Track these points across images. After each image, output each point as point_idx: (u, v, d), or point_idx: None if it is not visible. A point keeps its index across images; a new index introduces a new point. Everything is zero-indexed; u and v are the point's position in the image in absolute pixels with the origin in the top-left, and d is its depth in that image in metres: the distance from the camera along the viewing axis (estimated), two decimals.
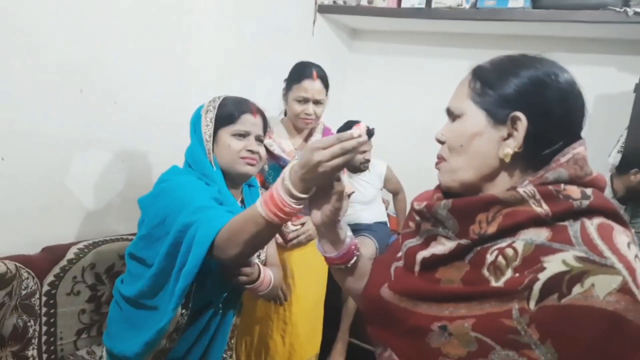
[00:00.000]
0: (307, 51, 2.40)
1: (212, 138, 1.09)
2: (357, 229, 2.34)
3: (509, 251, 0.57)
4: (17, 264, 1.22)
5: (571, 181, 0.59)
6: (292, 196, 0.72)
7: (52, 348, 1.31)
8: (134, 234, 1.15)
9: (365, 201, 2.38)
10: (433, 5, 2.43)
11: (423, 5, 2.46)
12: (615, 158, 2.26)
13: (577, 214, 0.56)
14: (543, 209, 0.57)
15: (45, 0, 1.28)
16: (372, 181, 2.41)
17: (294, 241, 1.66)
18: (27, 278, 1.23)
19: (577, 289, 0.50)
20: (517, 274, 0.55)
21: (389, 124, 2.76)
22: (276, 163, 1.62)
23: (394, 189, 2.57)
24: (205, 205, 0.95)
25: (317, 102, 1.59)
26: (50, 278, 1.30)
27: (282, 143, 1.64)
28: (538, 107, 0.60)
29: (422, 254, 0.66)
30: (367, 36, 3.08)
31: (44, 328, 1.29)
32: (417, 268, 0.67)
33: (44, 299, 1.28)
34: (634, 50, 2.40)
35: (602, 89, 2.44)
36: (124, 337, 1.09)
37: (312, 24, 2.62)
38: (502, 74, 0.63)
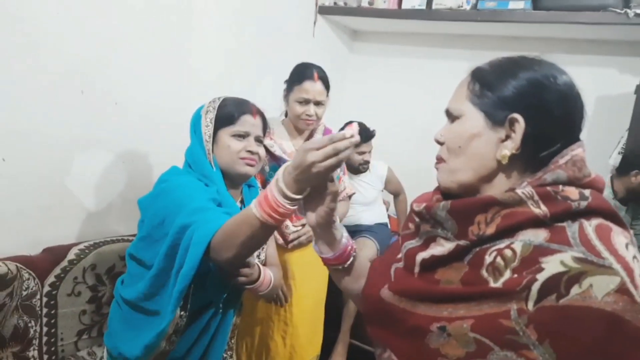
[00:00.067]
0: (307, 52, 2.41)
1: (212, 138, 1.10)
2: (358, 230, 2.34)
3: (508, 252, 0.57)
4: (18, 264, 1.22)
5: (569, 182, 0.59)
6: (286, 197, 0.72)
7: (52, 349, 1.31)
8: (134, 235, 1.15)
9: (366, 202, 2.38)
10: (433, 6, 2.43)
11: (424, 7, 2.46)
12: (615, 159, 2.26)
13: (576, 215, 0.56)
14: (541, 210, 0.57)
15: (45, 1, 1.28)
16: (372, 182, 2.42)
17: (295, 242, 1.66)
18: (28, 279, 1.24)
19: (575, 290, 0.50)
20: (515, 275, 0.55)
21: (390, 124, 2.77)
22: (277, 164, 1.62)
23: (395, 190, 2.57)
24: (203, 206, 0.95)
25: (318, 103, 1.59)
26: (51, 279, 1.30)
27: (283, 144, 1.64)
28: (536, 109, 0.60)
29: (421, 255, 0.67)
30: (367, 37, 3.09)
31: (45, 329, 1.29)
32: (416, 269, 0.67)
33: (44, 299, 1.28)
34: (635, 52, 2.40)
35: (602, 90, 2.44)
36: (124, 338, 1.09)
37: (312, 25, 2.62)
38: (501, 75, 0.63)
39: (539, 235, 0.56)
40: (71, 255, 1.35)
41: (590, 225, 0.55)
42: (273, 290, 1.18)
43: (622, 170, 2.18)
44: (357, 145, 2.33)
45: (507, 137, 0.62)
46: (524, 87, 0.61)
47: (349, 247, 0.81)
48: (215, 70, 1.94)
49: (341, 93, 3.01)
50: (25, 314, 1.23)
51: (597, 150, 2.37)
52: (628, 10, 2.01)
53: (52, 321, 1.31)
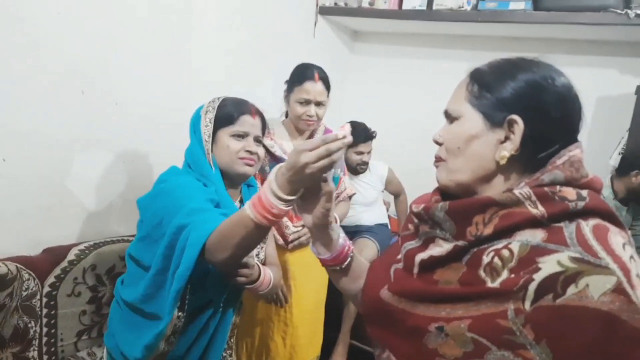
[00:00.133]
0: (308, 53, 2.41)
1: (211, 138, 1.11)
2: (358, 230, 2.34)
3: (505, 252, 0.57)
4: (18, 265, 1.22)
5: (567, 183, 0.59)
6: (279, 198, 0.73)
7: (52, 349, 1.31)
8: (134, 235, 1.15)
9: (366, 203, 2.38)
10: (434, 7, 2.43)
11: (424, 7, 2.46)
12: (616, 160, 2.26)
13: (573, 215, 0.57)
14: (539, 210, 0.57)
15: (45, 1, 1.29)
16: (373, 183, 2.42)
17: (295, 242, 1.66)
18: (28, 279, 1.23)
19: (571, 290, 0.50)
20: (512, 275, 0.55)
21: (390, 125, 2.77)
22: (277, 164, 1.62)
23: (395, 190, 2.57)
24: (200, 207, 0.96)
25: (318, 104, 1.59)
26: (51, 279, 1.30)
27: (284, 144, 1.64)
28: (535, 111, 0.61)
29: (420, 256, 0.67)
30: (368, 38, 3.09)
31: (45, 329, 1.29)
32: (415, 270, 0.68)
33: (44, 300, 1.28)
34: (635, 53, 2.40)
35: (603, 91, 2.44)
36: (124, 339, 1.09)
37: (313, 25, 2.62)
38: (500, 77, 0.64)
39: (536, 236, 0.56)
40: (71, 255, 1.35)
41: (587, 226, 0.56)
42: (273, 290, 1.18)
43: (621, 170, 2.18)
44: (355, 145, 2.33)
45: (506, 138, 0.62)
46: (523, 89, 0.61)
47: (346, 248, 0.81)
48: (216, 71, 1.94)
49: (341, 93, 3.01)
50: (25, 314, 1.23)
51: (597, 150, 2.37)
52: (629, 11, 2.01)
53: (52, 322, 1.31)
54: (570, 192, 0.58)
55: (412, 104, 2.88)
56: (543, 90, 0.61)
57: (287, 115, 1.70)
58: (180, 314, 1.01)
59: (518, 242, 0.57)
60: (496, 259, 0.58)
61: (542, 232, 0.56)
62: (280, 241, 1.64)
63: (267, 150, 1.58)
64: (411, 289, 0.67)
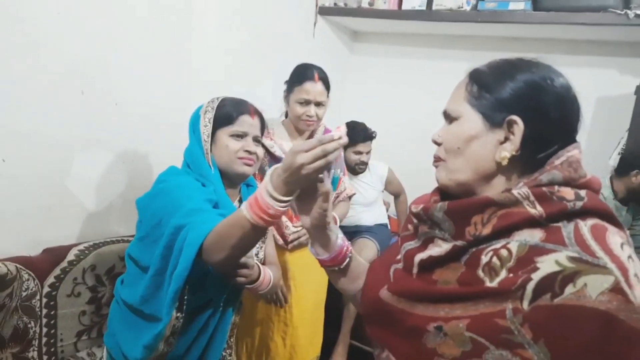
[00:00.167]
0: (307, 53, 2.41)
1: (210, 138, 1.11)
2: (358, 230, 2.34)
3: (504, 252, 0.57)
4: (18, 265, 1.22)
5: (565, 183, 0.60)
6: (275, 199, 0.73)
7: (52, 350, 1.31)
8: (134, 236, 1.15)
9: (366, 203, 2.38)
10: (434, 7, 2.43)
11: (424, 8, 2.46)
12: (615, 160, 2.26)
13: (571, 215, 0.57)
14: (537, 210, 0.57)
15: (45, 1, 1.29)
16: (373, 183, 2.42)
17: (295, 242, 1.66)
18: (28, 279, 1.23)
19: (569, 289, 0.50)
20: (511, 275, 0.55)
21: (390, 125, 2.77)
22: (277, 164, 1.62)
23: (395, 191, 2.57)
24: (198, 208, 0.96)
25: (318, 104, 1.59)
26: (50, 279, 1.30)
27: (283, 144, 1.64)
28: (534, 111, 0.61)
29: (419, 256, 0.67)
30: (368, 38, 3.09)
31: (45, 329, 1.29)
32: (415, 270, 0.68)
33: (44, 300, 1.28)
34: (635, 53, 2.40)
35: (602, 91, 2.44)
36: (124, 339, 1.09)
37: (312, 25, 2.62)
38: (499, 77, 0.64)
39: (534, 235, 0.57)
40: (71, 256, 1.35)
41: (585, 226, 0.56)
42: (272, 289, 1.19)
43: (621, 171, 2.19)
44: (354, 145, 2.33)
45: (506, 139, 0.62)
46: (522, 89, 0.62)
47: (345, 248, 0.81)
48: (216, 71, 1.94)
49: (341, 94, 3.01)
50: (24, 314, 1.23)
51: (597, 150, 2.37)
52: (628, 11, 2.01)
53: (52, 322, 1.31)
54: (568, 192, 0.58)
55: (412, 104, 2.89)
56: (542, 91, 0.61)
57: (286, 116, 1.70)
58: (178, 314, 1.01)
59: (516, 242, 0.57)
60: (495, 259, 0.58)
61: (540, 232, 0.57)
62: (280, 241, 1.64)
63: (267, 151, 1.58)
64: (410, 289, 0.67)
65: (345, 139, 0.69)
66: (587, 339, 0.49)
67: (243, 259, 1.02)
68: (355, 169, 2.31)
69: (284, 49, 2.34)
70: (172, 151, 1.37)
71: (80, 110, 1.43)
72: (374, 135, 2.33)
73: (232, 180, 1.14)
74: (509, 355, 0.53)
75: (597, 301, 0.49)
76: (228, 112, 1.11)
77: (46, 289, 1.29)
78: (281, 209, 0.74)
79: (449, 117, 0.69)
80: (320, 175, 0.71)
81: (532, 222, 0.57)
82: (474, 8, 2.36)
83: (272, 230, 1.59)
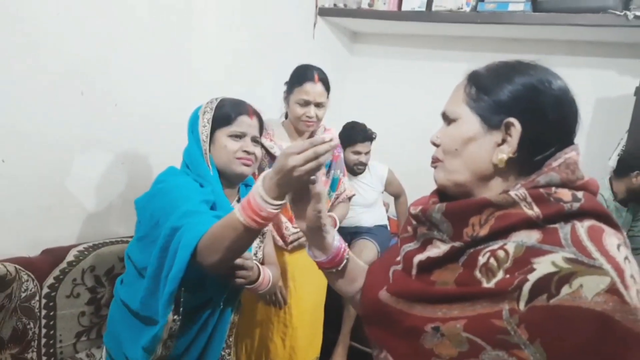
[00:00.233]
0: (307, 54, 2.41)
1: (209, 138, 1.11)
2: (358, 231, 2.34)
3: (501, 253, 0.58)
4: (17, 266, 1.22)
5: (563, 185, 0.60)
6: (267, 202, 0.74)
7: (51, 351, 1.31)
8: (134, 236, 1.15)
9: (366, 204, 2.38)
10: (433, 8, 2.43)
11: (423, 9, 2.46)
12: (615, 161, 2.26)
13: (568, 216, 0.57)
14: (534, 211, 0.58)
15: (45, 1, 1.29)
16: (373, 184, 2.41)
17: (295, 243, 1.66)
18: (27, 280, 1.23)
19: (565, 290, 0.51)
20: (507, 275, 0.56)
21: (390, 125, 2.77)
22: None
23: (395, 192, 2.56)
24: (194, 209, 0.96)
25: (318, 105, 1.59)
26: (50, 280, 1.30)
27: (283, 145, 1.64)
28: (532, 113, 0.61)
29: (418, 257, 0.68)
30: (367, 39, 3.09)
31: (44, 330, 1.29)
32: (414, 271, 0.68)
33: (43, 301, 1.28)
34: (634, 54, 2.40)
35: (602, 92, 2.44)
36: (124, 339, 1.09)
37: (312, 26, 2.62)
38: (497, 80, 0.64)
39: (531, 237, 0.57)
40: (70, 256, 1.35)
41: (582, 227, 0.56)
42: (272, 289, 1.19)
43: (620, 172, 2.18)
44: (353, 145, 2.33)
45: (503, 141, 0.63)
46: (520, 92, 0.62)
47: (342, 250, 0.82)
48: (215, 71, 1.94)
49: (341, 94, 3.01)
50: (24, 315, 1.23)
51: (596, 151, 2.37)
52: (627, 12, 2.01)
53: (51, 323, 1.30)
54: (565, 194, 0.59)
55: (412, 105, 2.89)
56: (540, 93, 0.61)
57: (286, 116, 1.70)
58: (175, 317, 1.01)
59: (513, 242, 0.58)
60: (492, 260, 0.58)
61: (537, 233, 0.57)
62: (280, 242, 1.64)
63: (267, 151, 1.58)
64: (409, 290, 0.67)
65: (336, 141, 0.69)
66: (583, 340, 0.50)
67: (241, 261, 1.02)
68: (354, 170, 2.31)
69: (283, 50, 2.34)
70: (172, 151, 1.37)
71: (80, 111, 1.43)
72: (373, 136, 2.33)
73: (231, 180, 1.15)
74: (505, 356, 0.53)
75: (592, 302, 0.49)
76: (227, 112, 1.12)
77: (45, 290, 1.29)
78: (273, 211, 0.75)
79: (447, 119, 0.69)
80: (312, 177, 0.72)
81: (529, 223, 0.58)
82: (474, 9, 2.36)
83: (271, 231, 1.59)
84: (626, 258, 0.54)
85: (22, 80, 1.27)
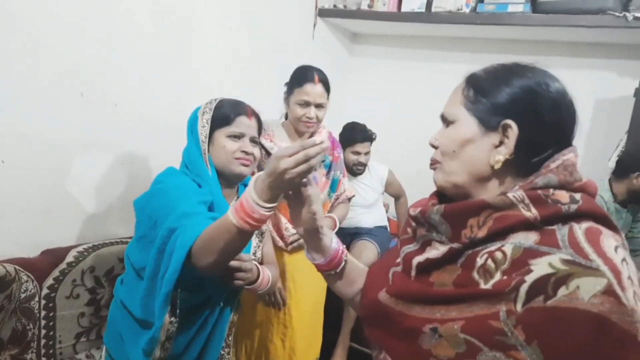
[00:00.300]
0: (307, 55, 2.41)
1: (207, 139, 1.12)
2: (358, 232, 2.34)
3: (498, 254, 0.58)
4: (17, 266, 1.22)
5: (560, 186, 0.60)
6: (259, 204, 0.74)
7: (51, 351, 1.31)
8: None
9: (366, 205, 2.38)
10: (433, 9, 2.44)
11: (423, 10, 2.47)
12: (615, 162, 2.26)
13: (566, 218, 0.57)
14: (532, 213, 0.58)
15: (45, 2, 1.29)
16: (373, 185, 2.41)
17: (295, 244, 1.66)
18: (27, 281, 1.23)
19: (562, 291, 0.51)
20: (505, 277, 0.56)
21: (390, 126, 2.78)
22: None
23: (395, 193, 2.56)
24: (190, 211, 0.96)
25: (318, 106, 1.59)
26: (49, 281, 1.29)
27: (283, 146, 1.64)
28: (529, 116, 0.62)
29: (417, 259, 0.68)
30: (367, 40, 3.09)
31: (43, 331, 1.29)
32: (413, 272, 0.69)
33: (43, 302, 1.28)
34: (634, 55, 2.40)
35: (602, 93, 2.44)
36: (123, 339, 1.09)
37: (312, 27, 2.63)
38: (495, 82, 0.65)
39: (529, 238, 0.57)
40: (70, 257, 1.35)
41: (580, 228, 0.56)
42: (271, 289, 1.20)
43: (619, 173, 2.18)
44: (352, 145, 2.32)
45: (501, 142, 0.63)
46: (517, 94, 0.62)
47: (340, 252, 0.82)
48: (215, 72, 1.95)
49: (341, 95, 3.02)
50: (23, 316, 1.23)
51: (596, 152, 2.37)
52: (627, 14, 2.02)
53: (51, 324, 1.30)
54: (563, 195, 0.59)
55: (412, 105, 2.89)
56: (537, 96, 0.62)
57: (286, 117, 1.70)
58: (172, 319, 1.01)
59: (511, 244, 0.58)
60: (489, 261, 0.58)
61: (535, 235, 0.57)
62: (280, 243, 1.64)
63: (267, 152, 1.58)
64: (408, 291, 0.68)
65: (327, 144, 0.71)
66: (579, 341, 0.50)
67: (237, 263, 1.02)
68: (354, 170, 2.31)
69: (283, 51, 2.34)
70: (172, 152, 1.37)
71: (79, 112, 1.43)
72: (373, 136, 2.33)
73: (229, 180, 1.15)
74: (503, 357, 0.54)
75: (589, 303, 0.49)
76: (225, 113, 1.12)
77: (45, 291, 1.28)
78: (266, 213, 0.76)
79: (446, 121, 0.70)
80: (304, 180, 0.73)
81: (527, 225, 0.58)
82: (473, 10, 2.36)
83: (270, 231, 1.59)
84: (624, 260, 0.54)
85: (22, 80, 1.27)
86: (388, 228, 2.53)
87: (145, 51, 1.61)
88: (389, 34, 2.97)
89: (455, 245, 0.63)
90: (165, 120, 1.69)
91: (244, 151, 1.11)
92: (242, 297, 1.26)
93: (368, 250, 2.21)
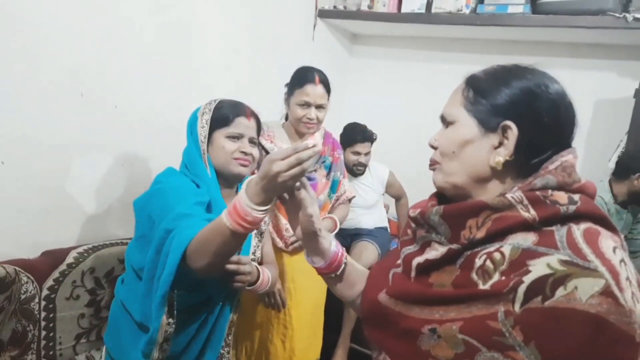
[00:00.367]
0: (307, 55, 2.41)
1: (207, 139, 1.12)
2: (358, 233, 2.34)
3: (497, 255, 0.58)
4: (17, 268, 1.22)
5: (559, 187, 0.60)
6: (252, 207, 0.75)
7: (51, 353, 1.31)
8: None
9: (366, 206, 2.38)
10: (433, 10, 2.44)
11: (423, 11, 2.47)
12: (615, 163, 2.26)
13: (565, 219, 0.58)
14: (530, 214, 0.58)
15: (45, 3, 1.29)
16: (373, 186, 2.41)
17: (296, 244, 1.66)
18: (27, 282, 1.23)
19: (560, 292, 0.51)
20: (503, 277, 0.56)
21: (390, 127, 2.78)
22: None
23: (396, 194, 2.56)
24: (187, 212, 0.96)
25: (319, 107, 1.59)
26: (49, 282, 1.30)
27: (283, 147, 1.64)
28: (528, 117, 0.62)
29: (417, 260, 0.68)
30: (367, 41, 3.10)
31: (43, 333, 1.29)
32: (413, 273, 0.69)
33: (43, 303, 1.28)
34: (634, 56, 2.40)
35: (602, 94, 2.44)
36: (123, 340, 1.10)
37: (312, 28, 2.63)
38: (495, 83, 0.65)
39: (527, 239, 0.57)
40: (70, 258, 1.35)
41: (578, 229, 0.56)
42: (271, 288, 1.21)
43: (619, 174, 2.18)
44: (352, 145, 2.32)
45: (500, 144, 0.63)
46: (517, 96, 0.63)
47: (339, 254, 0.82)
48: (215, 73, 1.95)
49: (341, 96, 3.02)
50: (23, 317, 1.22)
51: (596, 153, 2.37)
52: (627, 15, 2.02)
53: (51, 325, 1.30)
54: (561, 196, 0.59)
55: (412, 106, 2.89)
56: (537, 97, 0.62)
57: (287, 118, 1.70)
58: (170, 320, 1.01)
59: (510, 245, 0.58)
60: (488, 262, 0.59)
61: (533, 236, 0.57)
62: (280, 244, 1.64)
63: (267, 153, 1.58)
64: (407, 292, 0.68)
65: (319, 147, 0.71)
66: (577, 342, 0.50)
67: (235, 267, 1.02)
68: (354, 170, 2.31)
69: (283, 52, 2.34)
70: (172, 153, 1.37)
71: (79, 112, 1.43)
72: (373, 137, 2.33)
73: (228, 180, 1.16)
74: (501, 357, 0.54)
75: (587, 304, 0.50)
76: (225, 113, 1.13)
77: (45, 292, 1.29)
78: (259, 215, 0.76)
79: (446, 121, 0.70)
80: (297, 184, 0.73)
81: (525, 226, 0.58)
82: (473, 11, 2.37)
83: (270, 231, 1.59)
84: (622, 260, 0.54)
85: (22, 81, 1.27)
86: (388, 229, 2.53)
87: (145, 52, 1.61)
88: (389, 34, 2.97)
89: (454, 246, 0.63)
90: (165, 120, 1.69)
91: (242, 151, 1.12)
92: (242, 297, 1.26)
93: (368, 251, 2.21)
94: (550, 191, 0.60)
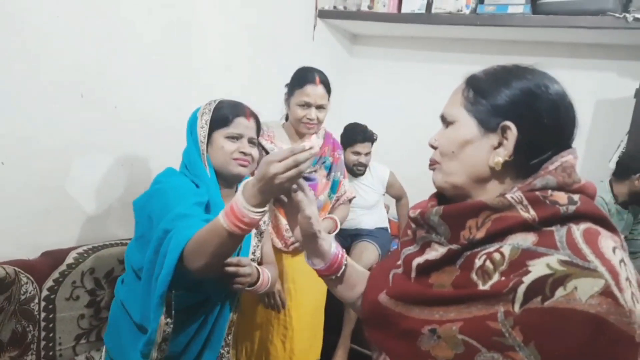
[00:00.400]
0: (307, 56, 2.41)
1: (206, 140, 1.13)
2: (359, 234, 2.33)
3: (497, 255, 0.58)
4: (17, 268, 1.22)
5: (559, 188, 0.60)
6: (249, 208, 0.75)
7: (50, 353, 1.31)
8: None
9: (367, 206, 2.38)
10: (433, 10, 2.44)
11: (423, 11, 2.47)
12: (615, 163, 2.25)
13: (564, 219, 0.57)
14: (530, 214, 0.58)
15: (45, 3, 1.29)
16: (374, 186, 2.41)
17: (296, 244, 1.65)
18: (26, 283, 1.23)
19: (559, 292, 0.51)
20: (503, 278, 0.56)
21: (391, 127, 2.77)
22: None
23: (397, 194, 2.56)
24: (185, 212, 0.96)
25: (319, 107, 1.59)
26: (49, 283, 1.29)
27: (284, 147, 1.64)
28: (528, 117, 0.62)
29: (417, 260, 0.68)
30: (367, 41, 3.10)
31: (43, 333, 1.29)
32: (413, 274, 0.69)
33: (43, 304, 1.28)
34: (634, 56, 2.40)
35: (602, 94, 2.44)
36: (123, 340, 1.10)
37: (312, 28, 2.63)
38: (495, 84, 0.65)
39: (527, 239, 0.57)
40: (70, 259, 1.35)
41: (578, 230, 0.56)
42: (271, 289, 1.21)
43: (619, 174, 2.18)
44: (352, 145, 2.33)
45: (500, 144, 0.63)
46: (517, 96, 0.63)
47: (339, 256, 0.82)
48: (215, 73, 1.95)
49: (341, 96, 3.01)
50: (23, 318, 1.22)
51: (597, 153, 2.37)
52: (627, 15, 2.02)
53: (50, 325, 1.30)
54: (561, 197, 0.59)
55: (412, 106, 2.89)
56: (537, 98, 0.62)
57: (287, 118, 1.70)
58: (168, 320, 1.01)
59: (509, 245, 0.58)
60: (488, 262, 0.58)
61: (533, 236, 0.57)
62: (280, 245, 1.64)
63: (267, 153, 1.58)
64: (407, 292, 0.68)
65: (316, 149, 0.71)
66: (577, 342, 0.50)
67: (234, 269, 1.02)
68: (354, 170, 2.31)
69: (283, 52, 2.34)
70: (172, 153, 1.37)
71: (79, 113, 1.43)
72: (374, 137, 2.33)
73: (228, 180, 1.16)
74: (500, 358, 0.54)
75: (587, 304, 0.49)
76: (224, 114, 1.13)
77: (45, 293, 1.28)
78: (256, 217, 0.76)
79: (446, 121, 0.70)
80: (294, 186, 0.73)
81: (525, 226, 0.58)
82: (473, 11, 2.36)
83: (270, 231, 1.58)
84: (622, 261, 0.54)
85: (22, 81, 1.27)
86: (389, 229, 2.52)
87: (145, 52, 1.61)
88: (389, 35, 2.97)
89: (454, 246, 0.63)
90: (165, 121, 1.69)
91: (242, 152, 1.12)
92: (242, 297, 1.26)
93: (369, 252, 2.21)
94: (550, 191, 0.60)
